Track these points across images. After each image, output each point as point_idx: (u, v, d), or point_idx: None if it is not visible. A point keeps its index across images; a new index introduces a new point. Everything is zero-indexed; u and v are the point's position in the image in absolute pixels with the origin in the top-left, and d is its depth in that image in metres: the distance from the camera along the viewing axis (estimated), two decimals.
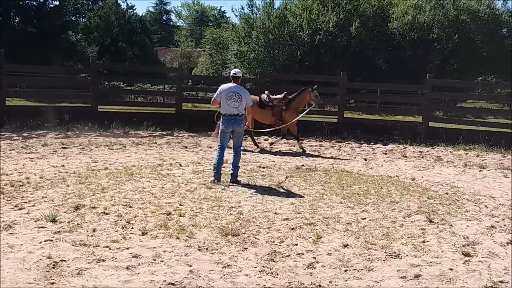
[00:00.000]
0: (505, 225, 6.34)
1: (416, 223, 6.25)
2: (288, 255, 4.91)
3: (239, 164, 8.32)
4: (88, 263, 4.42)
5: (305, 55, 28.63)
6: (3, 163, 8.73)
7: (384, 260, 4.87)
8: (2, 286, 3.89)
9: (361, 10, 29.95)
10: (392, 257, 4.96)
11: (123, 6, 46.31)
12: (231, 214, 6.27)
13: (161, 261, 4.57)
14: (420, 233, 5.83)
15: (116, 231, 5.32)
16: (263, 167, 9.73)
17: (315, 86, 12.51)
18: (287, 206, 6.78)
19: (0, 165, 8.43)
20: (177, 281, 4.14)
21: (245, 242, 5.21)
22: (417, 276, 4.49)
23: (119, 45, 36.85)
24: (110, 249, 4.79)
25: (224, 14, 77.95)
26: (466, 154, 12.75)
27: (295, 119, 12.22)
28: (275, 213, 6.42)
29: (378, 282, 4.36)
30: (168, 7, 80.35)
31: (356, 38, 29.16)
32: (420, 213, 6.71)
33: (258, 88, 16.70)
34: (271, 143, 12.82)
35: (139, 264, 4.47)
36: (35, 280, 4.02)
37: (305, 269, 4.59)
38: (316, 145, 13.44)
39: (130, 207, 6.28)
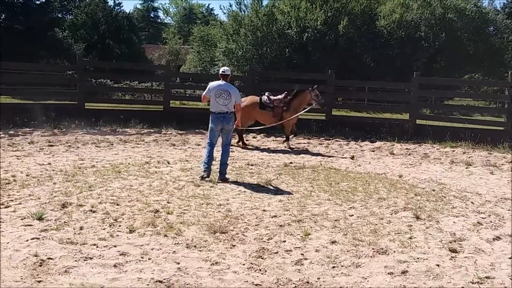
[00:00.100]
0: (491, 222, 6.41)
1: (403, 219, 6.30)
2: (276, 252, 4.92)
3: (228, 162, 8.34)
4: (75, 261, 4.39)
5: (293, 53, 28.63)
6: None
7: (371, 257, 4.90)
8: None
9: (349, 8, 30.00)
10: (379, 254, 4.99)
11: (110, 3, 45.83)
12: (219, 211, 6.27)
13: (149, 259, 4.56)
14: (407, 229, 5.87)
15: (104, 229, 5.30)
16: (252, 165, 9.74)
17: (316, 86, 12.51)
18: (276, 203, 6.80)
19: None
20: (165, 279, 4.13)
21: (233, 239, 5.22)
22: (404, 272, 4.53)
23: (106, 42, 36.56)
24: (97, 247, 4.77)
25: (212, 12, 77.89)
26: (453, 151, 12.85)
27: (290, 118, 12.19)
28: (264, 210, 6.43)
29: (365, 278, 4.38)
30: (155, 4, 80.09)
31: (344, 36, 29.21)
32: (407, 209, 6.76)
33: (247, 85, 16.73)
34: (285, 142, 12.70)
35: (126, 262, 4.46)
36: (21, 279, 3.99)
37: (293, 265, 4.61)
38: (304, 143, 13.46)
39: (118, 205, 6.26)
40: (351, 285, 4.24)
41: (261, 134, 13.80)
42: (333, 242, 5.27)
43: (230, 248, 4.98)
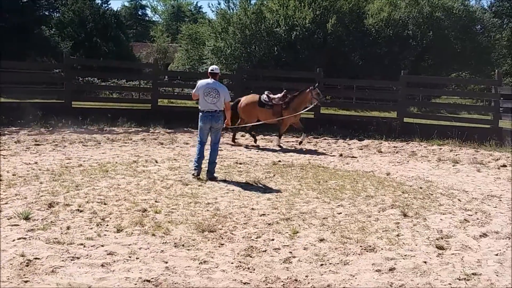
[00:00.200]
0: (478, 219, 6.47)
1: (391, 217, 6.33)
2: (265, 250, 4.92)
3: (216, 161, 8.33)
4: (62, 260, 4.36)
5: (282, 51, 28.64)
6: None
7: (359, 254, 4.92)
8: None
9: (337, 7, 30.07)
10: (367, 251, 5.01)
11: (98, 0, 45.59)
12: (207, 210, 6.25)
13: (137, 258, 4.54)
14: (395, 227, 5.91)
15: (91, 229, 5.27)
16: (240, 163, 9.73)
17: (317, 84, 12.53)
18: (264, 202, 6.80)
19: None
20: (153, 278, 4.12)
21: (222, 238, 5.21)
22: (391, 269, 4.55)
23: (93, 40, 36.28)
24: (84, 246, 4.74)
25: (201, 10, 77.62)
26: (440, 149, 12.94)
27: (288, 116, 12.21)
28: (252, 208, 6.43)
29: (353, 276, 4.40)
30: (143, 2, 79.52)
31: (332, 35, 29.28)
32: (394, 207, 6.80)
33: (235, 84, 16.72)
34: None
35: (114, 261, 4.43)
36: (8, 279, 3.95)
37: (281, 264, 4.61)
38: (293, 141, 13.48)
39: (105, 204, 6.22)
40: (339, 282, 4.25)
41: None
42: (321, 240, 5.28)
43: (219, 246, 4.97)
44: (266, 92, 12.60)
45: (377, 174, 9.37)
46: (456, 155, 12.06)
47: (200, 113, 8.26)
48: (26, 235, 4.94)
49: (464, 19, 32.43)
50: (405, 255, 4.94)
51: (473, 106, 25.81)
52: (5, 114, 13.13)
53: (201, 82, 8.33)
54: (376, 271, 4.53)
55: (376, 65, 29.03)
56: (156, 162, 9.38)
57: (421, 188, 8.22)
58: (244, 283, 4.15)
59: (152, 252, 4.71)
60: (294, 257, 4.79)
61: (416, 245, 5.29)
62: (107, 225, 5.41)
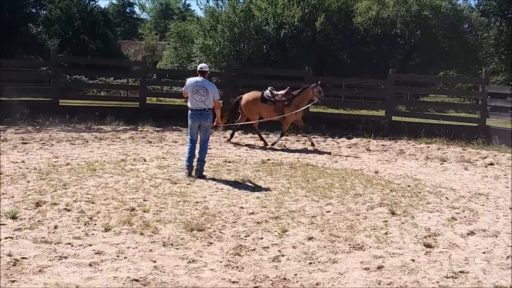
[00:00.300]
0: (465, 217, 6.51)
1: (379, 215, 6.36)
2: (254, 249, 4.92)
3: (205, 159, 8.32)
4: (50, 260, 4.33)
5: (270, 49, 28.66)
6: None
7: (348, 252, 4.94)
8: None
9: (326, 5, 30.15)
10: (355, 249, 5.03)
11: None
12: (196, 209, 6.24)
13: (125, 257, 4.51)
14: (383, 225, 5.93)
15: (79, 228, 5.23)
16: (229, 162, 9.72)
17: (319, 82, 12.53)
18: (253, 200, 6.80)
19: None
20: (141, 277, 4.10)
21: (211, 237, 5.20)
22: (380, 267, 4.57)
23: (81, 37, 36.02)
24: (72, 246, 4.71)
25: (189, 7, 77.31)
26: (428, 147, 13.02)
27: (290, 113, 12.19)
28: (241, 207, 6.42)
29: (342, 274, 4.41)
30: (131, 0, 79.10)
31: (321, 33, 29.36)
32: (383, 205, 6.83)
33: (224, 82, 16.69)
34: (312, 144, 12.52)
35: (102, 260, 4.40)
36: None
37: (270, 262, 4.62)
38: (281, 140, 13.47)
39: (93, 203, 6.18)
40: (327, 280, 4.26)
41: (239, 131, 13.77)
42: (310, 238, 5.29)
43: (207, 245, 4.96)
44: (269, 88, 12.61)
45: (365, 173, 9.40)
46: (443, 153, 12.14)
47: (189, 111, 8.25)
48: (13, 234, 4.89)
49: (452, 18, 32.69)
50: (393, 253, 4.96)
51: (460, 105, 26.01)
52: None
53: (190, 80, 8.33)
54: (364, 269, 4.54)
55: (365, 63, 29.17)
56: (145, 160, 9.33)
57: (409, 186, 8.27)
58: (233, 282, 4.15)
59: (140, 251, 4.69)
60: (283, 255, 4.79)
61: (404, 243, 5.32)
62: (95, 224, 5.38)
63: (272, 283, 4.18)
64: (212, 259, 4.62)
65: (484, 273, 4.56)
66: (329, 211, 6.44)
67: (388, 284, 4.24)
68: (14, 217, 5.36)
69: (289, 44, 28.64)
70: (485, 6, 39.14)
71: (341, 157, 11.16)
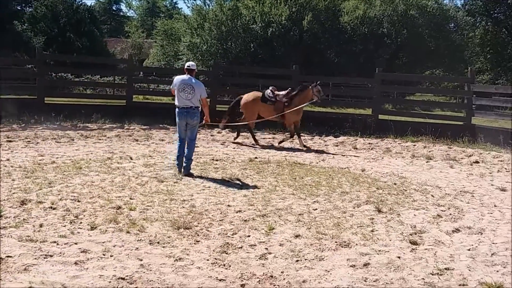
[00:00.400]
0: (450, 214, 6.56)
1: (366, 213, 6.39)
2: (241, 247, 4.92)
3: (192, 157, 8.30)
4: (35, 259, 4.29)
5: (258, 48, 28.66)
6: None
7: (334, 250, 4.96)
8: None
9: (313, 4, 30.21)
10: (342, 247, 5.05)
11: None
12: (183, 207, 6.22)
13: (111, 256, 4.48)
14: (369, 222, 5.96)
15: (64, 226, 5.19)
16: (216, 160, 9.70)
17: (318, 82, 12.54)
18: (240, 198, 6.79)
19: None
20: (127, 276, 4.07)
21: (198, 235, 5.19)
22: (366, 265, 4.59)
23: (66, 35, 35.66)
24: (57, 244, 4.67)
25: (176, 5, 77.05)
26: (414, 145, 13.11)
27: (289, 111, 12.15)
28: (228, 205, 6.41)
29: (328, 271, 4.42)
30: None
31: (308, 32, 29.43)
32: (369, 203, 6.86)
33: (211, 80, 16.65)
34: (304, 146, 12.35)
35: (88, 259, 4.37)
36: None
37: (257, 260, 4.61)
38: (269, 138, 13.51)
39: (79, 201, 6.14)
40: (314, 278, 4.27)
41: (226, 130, 13.75)
42: (297, 236, 5.30)
43: (194, 243, 4.95)
44: (270, 88, 12.61)
45: (352, 171, 9.44)
46: (429, 151, 12.23)
47: (176, 109, 8.23)
48: None
49: (438, 17, 32.94)
50: (379, 251, 4.99)
51: (446, 103, 26.21)
52: None
53: (177, 78, 8.31)
54: (350, 266, 4.56)
55: (352, 62, 29.28)
56: (131, 159, 9.28)
57: (395, 184, 8.32)
58: (220, 280, 4.14)
59: (126, 249, 4.66)
60: (270, 253, 4.79)
61: (390, 240, 5.35)
62: (81, 223, 5.34)
63: (259, 280, 4.18)
64: (199, 257, 4.60)
65: (469, 270, 4.60)
66: (316, 209, 6.45)
67: (374, 281, 4.26)
68: None
69: (277, 43, 28.67)
70: (470, 6, 39.51)
71: (328, 155, 11.20)
